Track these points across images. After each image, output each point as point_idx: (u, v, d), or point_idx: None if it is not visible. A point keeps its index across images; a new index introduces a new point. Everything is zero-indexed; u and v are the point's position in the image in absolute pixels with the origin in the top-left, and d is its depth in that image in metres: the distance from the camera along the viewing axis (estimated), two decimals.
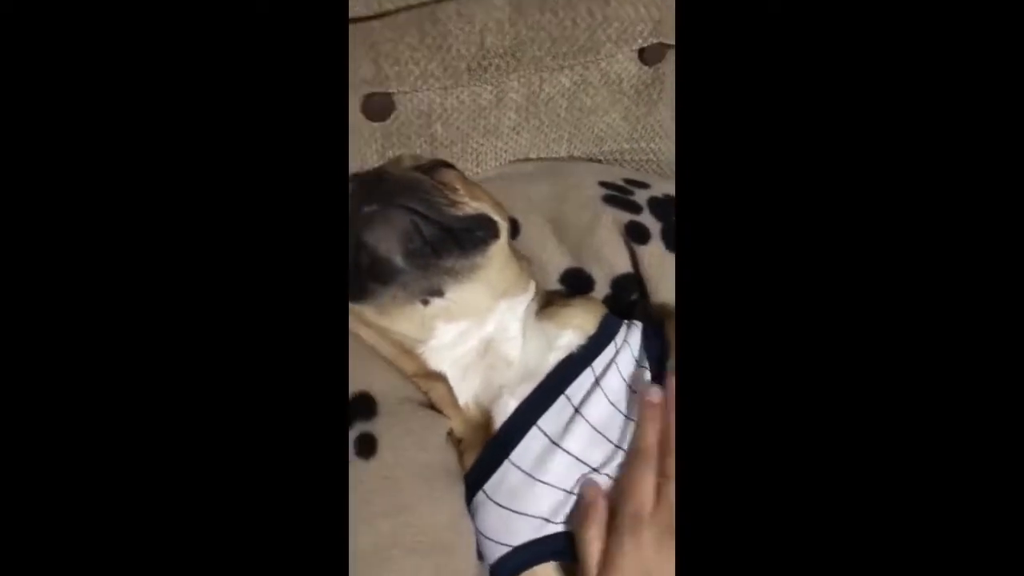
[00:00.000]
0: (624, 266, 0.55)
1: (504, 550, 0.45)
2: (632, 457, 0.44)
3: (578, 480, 0.45)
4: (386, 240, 0.42)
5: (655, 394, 0.45)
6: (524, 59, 0.51)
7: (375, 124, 0.53)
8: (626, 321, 0.51)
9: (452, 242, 0.45)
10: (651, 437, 0.44)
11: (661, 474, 0.43)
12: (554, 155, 0.61)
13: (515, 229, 0.55)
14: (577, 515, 0.44)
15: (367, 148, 0.54)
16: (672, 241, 0.54)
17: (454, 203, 0.46)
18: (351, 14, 0.45)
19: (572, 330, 0.49)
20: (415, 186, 0.44)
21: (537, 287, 0.53)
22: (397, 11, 0.45)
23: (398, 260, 0.43)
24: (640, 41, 0.53)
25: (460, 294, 0.46)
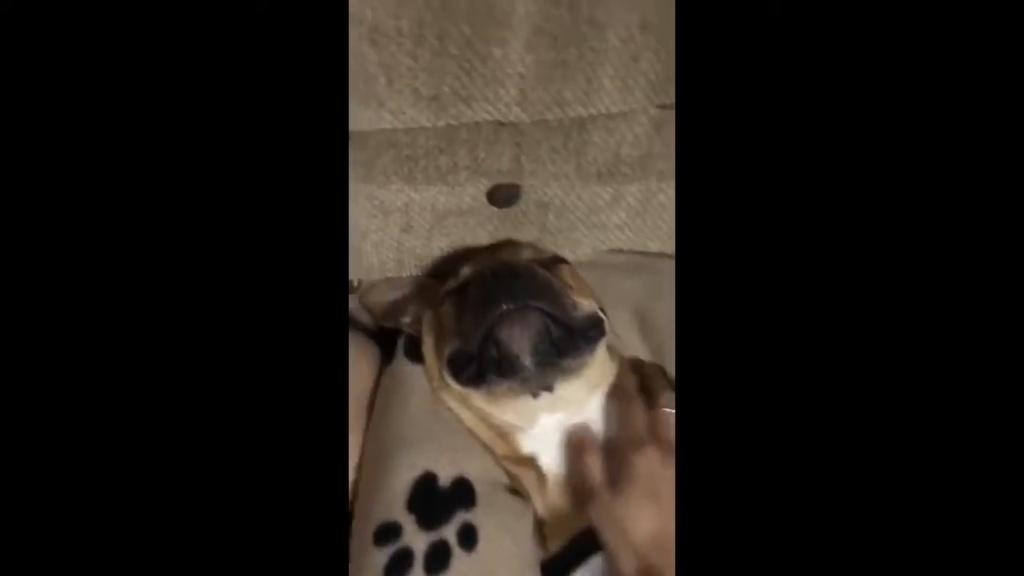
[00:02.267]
0: None
1: None
2: (623, 395, 0.48)
3: None
4: (519, 340, 0.43)
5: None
6: (650, 170, 0.54)
7: (494, 209, 0.54)
8: None
9: (572, 344, 0.46)
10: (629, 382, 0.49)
11: (648, 407, 0.46)
12: (647, 249, 0.63)
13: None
14: (569, 451, 0.47)
15: (481, 228, 0.56)
16: None
17: (575, 304, 0.48)
18: (509, 117, 0.47)
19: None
20: (548, 287, 0.46)
21: (617, 373, 0.55)
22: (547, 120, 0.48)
23: (527, 360, 0.44)
24: None
25: (566, 389, 0.48)
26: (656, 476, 0.42)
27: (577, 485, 0.47)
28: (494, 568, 0.43)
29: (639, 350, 0.58)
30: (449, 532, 0.43)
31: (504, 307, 0.43)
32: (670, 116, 0.50)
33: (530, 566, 0.46)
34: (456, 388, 0.48)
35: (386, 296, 0.58)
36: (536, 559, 0.47)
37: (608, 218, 0.57)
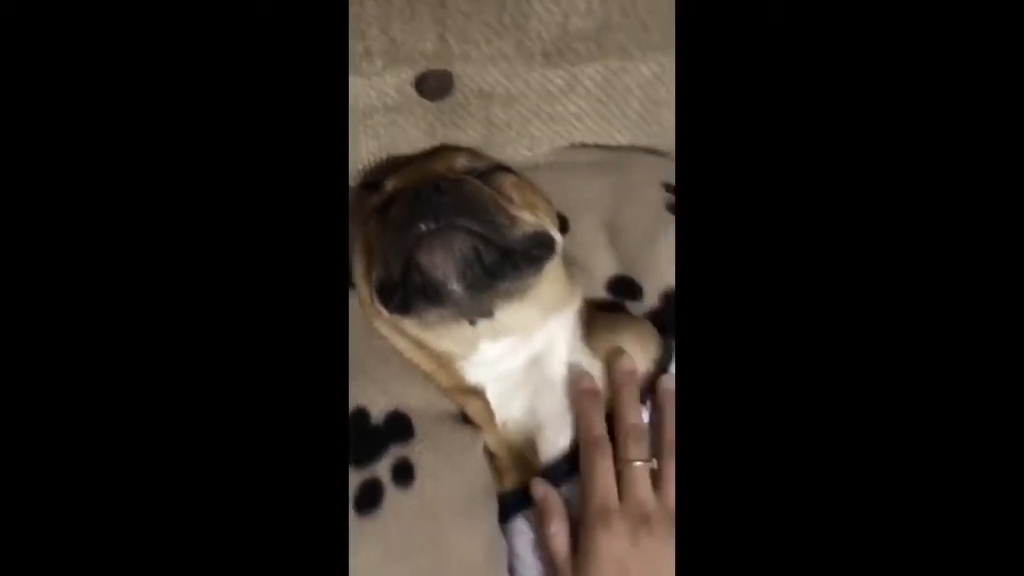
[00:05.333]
0: None
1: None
2: (585, 449, 0.42)
3: None
4: (443, 265, 0.38)
5: (589, 382, 0.44)
6: (607, 46, 0.45)
7: (427, 101, 0.46)
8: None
9: (510, 265, 0.41)
10: (598, 427, 0.42)
11: (618, 460, 0.41)
12: (616, 142, 0.56)
13: (564, 226, 0.50)
14: (535, 514, 0.43)
15: (414, 127, 0.48)
16: None
17: (514, 220, 0.42)
18: None
19: (631, 350, 0.46)
20: (477, 203, 0.40)
21: (584, 295, 0.50)
22: None
23: (454, 285, 0.39)
24: None
25: (509, 314, 0.43)
26: (623, 554, 0.38)
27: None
28: (435, 503, 0.40)
29: (607, 258, 0.52)
30: (381, 469, 0.40)
31: (423, 228, 0.38)
32: None
33: (480, 501, 0.43)
34: (386, 315, 0.43)
35: None
36: (489, 493, 0.45)
37: (564, 107, 0.50)
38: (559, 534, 0.41)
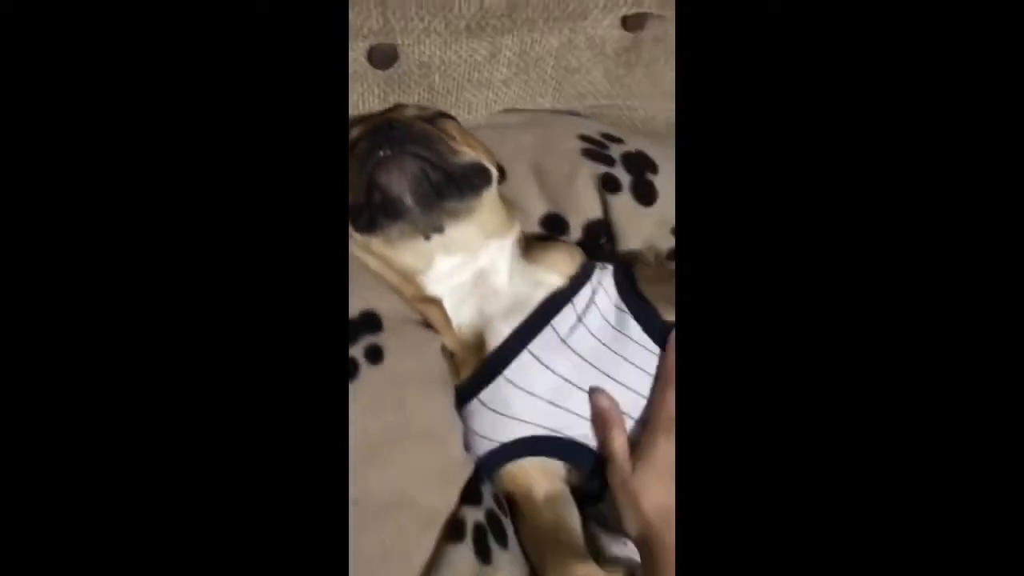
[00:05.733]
0: (596, 213, 0.62)
1: (493, 445, 0.53)
2: (663, 382, 0.52)
3: (575, 393, 0.53)
4: (398, 182, 0.48)
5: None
6: (519, 20, 0.56)
7: (379, 72, 0.57)
8: (599, 264, 0.59)
9: (453, 186, 0.51)
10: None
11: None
12: (539, 108, 0.67)
13: (502, 175, 0.61)
14: (597, 420, 0.52)
15: (370, 93, 0.59)
16: (640, 193, 0.62)
17: (455, 152, 0.52)
18: None
19: (555, 271, 0.57)
20: (423, 135, 0.50)
21: (521, 229, 0.61)
22: None
23: (408, 200, 0.49)
24: (624, 9, 0.59)
25: (457, 232, 0.53)
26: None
27: None
28: (400, 377, 0.50)
29: (537, 199, 0.63)
30: (356, 351, 0.50)
31: (381, 154, 0.48)
32: None
33: (439, 382, 0.53)
34: (358, 238, 0.53)
35: None
36: (447, 380, 0.55)
37: (491, 74, 0.60)
38: (619, 436, 0.50)
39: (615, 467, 0.51)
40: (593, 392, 0.53)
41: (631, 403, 0.53)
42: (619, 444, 0.51)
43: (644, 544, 0.48)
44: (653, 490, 0.48)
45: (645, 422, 0.52)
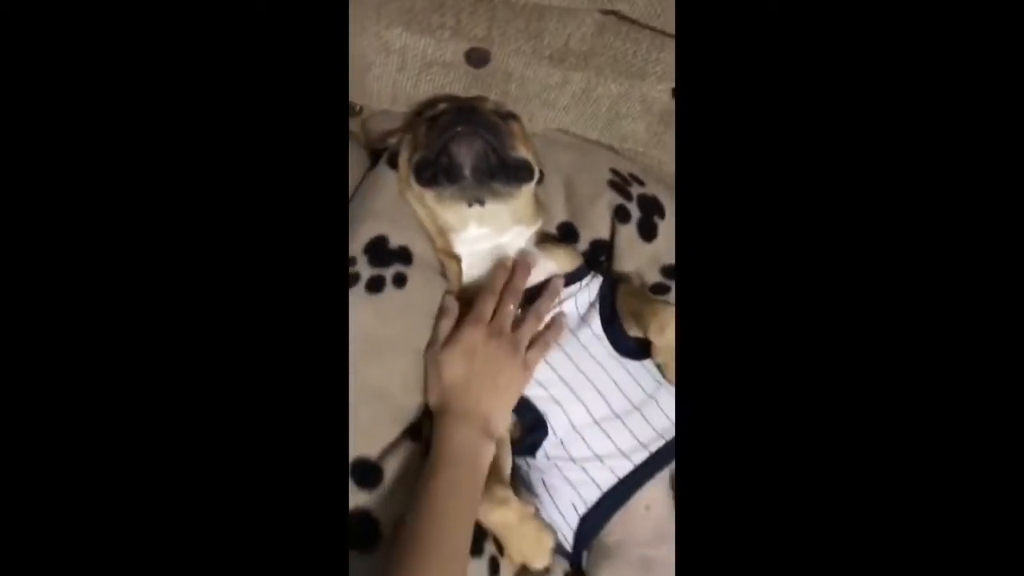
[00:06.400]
0: (604, 235, 0.75)
1: None
2: (488, 286, 0.64)
3: None
4: (465, 154, 0.61)
5: (525, 260, 0.65)
6: (591, 64, 0.70)
7: (471, 69, 0.71)
8: (592, 272, 0.72)
9: (503, 173, 0.63)
10: (501, 282, 0.64)
11: (503, 303, 0.63)
12: (587, 137, 0.80)
13: (541, 178, 0.74)
14: (437, 315, 0.64)
15: (458, 83, 0.72)
16: (643, 231, 0.74)
17: (513, 147, 0.65)
18: None
19: (556, 263, 0.69)
20: (494, 125, 0.63)
21: (541, 226, 0.73)
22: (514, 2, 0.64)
23: (466, 170, 0.62)
24: (674, 83, 0.72)
25: (494, 209, 0.66)
26: (476, 343, 0.61)
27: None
28: (412, 304, 0.63)
29: (561, 207, 0.76)
30: (388, 272, 0.63)
31: (459, 128, 0.61)
32: (610, 21, 0.66)
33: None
34: (416, 188, 0.66)
35: (382, 125, 0.75)
36: None
37: (557, 98, 0.74)
38: (445, 326, 0.62)
39: (432, 345, 0.62)
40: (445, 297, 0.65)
41: (576, 381, 0.64)
42: (444, 329, 0.62)
43: (437, 410, 0.58)
44: (452, 365, 0.59)
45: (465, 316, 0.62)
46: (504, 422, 0.61)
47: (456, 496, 0.52)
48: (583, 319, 0.67)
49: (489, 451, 0.56)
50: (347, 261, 0.62)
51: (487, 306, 0.62)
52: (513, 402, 0.61)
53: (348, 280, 0.62)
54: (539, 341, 0.63)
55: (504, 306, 0.63)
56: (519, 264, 0.67)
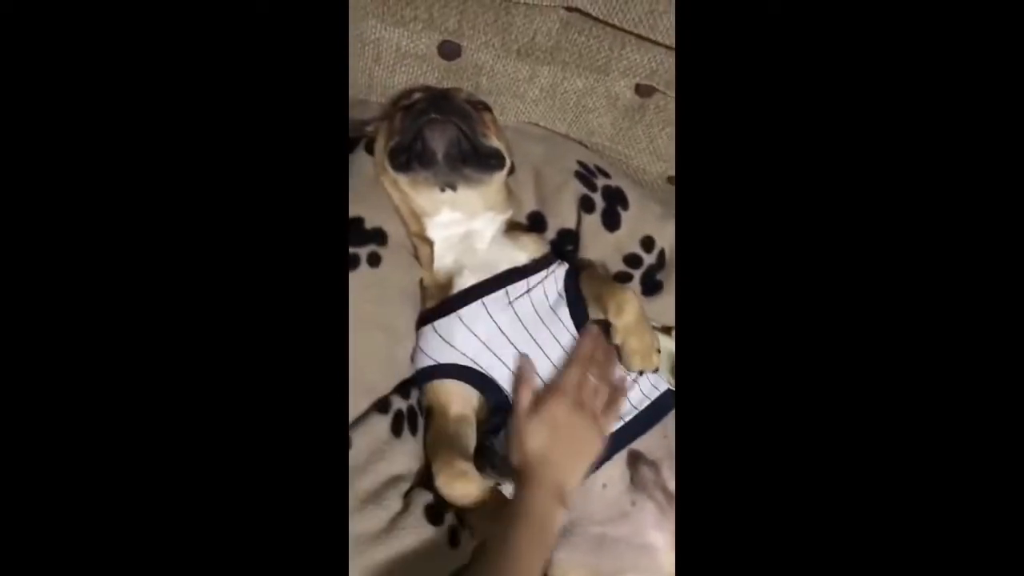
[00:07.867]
0: (571, 224, 0.78)
1: (432, 362, 0.68)
2: (571, 359, 0.66)
3: (506, 345, 0.66)
4: (438, 140, 0.64)
5: (597, 336, 0.67)
6: (557, 59, 0.73)
7: (443, 61, 0.74)
8: (559, 260, 0.75)
9: (475, 159, 0.66)
10: (589, 347, 0.66)
11: (583, 374, 0.64)
12: (555, 130, 0.83)
13: (512, 168, 0.77)
14: (517, 376, 0.65)
15: (431, 74, 0.75)
16: (607, 220, 0.77)
17: (486, 135, 0.68)
18: None
19: (524, 251, 0.72)
20: (467, 113, 0.66)
21: (512, 215, 0.76)
22: None
23: (439, 156, 0.64)
24: (638, 79, 0.76)
25: (466, 195, 0.68)
26: (559, 418, 0.63)
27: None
28: (386, 283, 0.65)
29: (531, 197, 0.79)
30: (363, 252, 0.65)
31: (432, 115, 0.64)
32: (574, 18, 0.69)
33: (410, 299, 0.69)
34: (391, 173, 0.68)
35: (358, 114, 0.78)
36: (416, 302, 0.70)
37: (526, 91, 0.77)
38: (526, 395, 0.63)
39: (517, 413, 0.65)
40: (522, 356, 0.67)
41: (544, 367, 0.67)
42: (525, 398, 0.65)
43: (519, 473, 0.62)
44: (536, 436, 0.62)
45: (548, 385, 0.66)
46: (576, 484, 0.62)
47: (517, 548, 0.56)
48: (553, 309, 0.70)
49: (559, 515, 0.58)
50: (347, 255, 0.64)
51: (572, 378, 0.64)
52: (587, 468, 0.62)
53: (348, 268, 0.63)
54: (611, 407, 0.66)
55: (588, 380, 0.64)
56: (603, 342, 0.68)
